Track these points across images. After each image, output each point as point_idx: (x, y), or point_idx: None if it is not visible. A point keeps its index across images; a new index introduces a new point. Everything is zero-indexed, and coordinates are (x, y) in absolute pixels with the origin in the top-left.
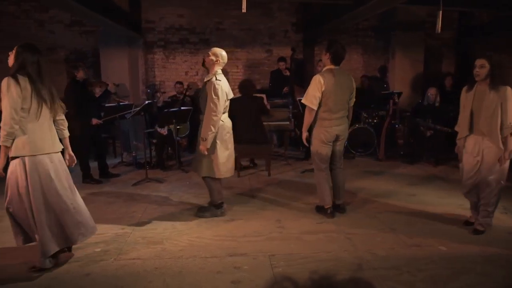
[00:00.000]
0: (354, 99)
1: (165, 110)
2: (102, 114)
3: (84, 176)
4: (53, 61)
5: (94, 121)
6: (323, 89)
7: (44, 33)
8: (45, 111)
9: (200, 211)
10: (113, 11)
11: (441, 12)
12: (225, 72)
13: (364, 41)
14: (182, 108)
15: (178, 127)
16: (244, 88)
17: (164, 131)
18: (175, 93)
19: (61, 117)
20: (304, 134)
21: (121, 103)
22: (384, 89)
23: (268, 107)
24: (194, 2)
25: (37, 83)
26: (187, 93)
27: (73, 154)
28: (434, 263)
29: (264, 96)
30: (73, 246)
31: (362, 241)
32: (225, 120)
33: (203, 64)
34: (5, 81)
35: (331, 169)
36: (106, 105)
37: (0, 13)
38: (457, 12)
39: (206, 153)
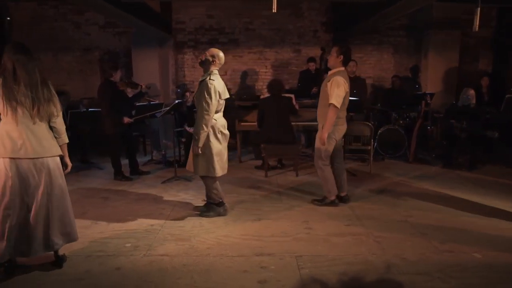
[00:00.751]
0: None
1: (194, 110)
2: (133, 113)
3: (116, 173)
4: (88, 61)
5: (126, 119)
6: (346, 90)
7: (80, 35)
8: (25, 114)
9: (203, 211)
10: (145, 12)
11: (479, 9)
12: (253, 71)
13: (396, 40)
14: None
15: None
16: (273, 88)
17: (193, 130)
18: None
19: (53, 123)
20: (325, 135)
21: (151, 103)
22: (416, 89)
23: (297, 107)
24: (224, 2)
25: (9, 85)
26: None
27: (68, 162)
28: (468, 270)
29: (292, 96)
30: (104, 239)
31: (391, 245)
32: (219, 120)
33: (200, 64)
34: None
35: (336, 164)
36: (137, 104)
37: (40, 16)
38: (495, 9)
39: (199, 152)
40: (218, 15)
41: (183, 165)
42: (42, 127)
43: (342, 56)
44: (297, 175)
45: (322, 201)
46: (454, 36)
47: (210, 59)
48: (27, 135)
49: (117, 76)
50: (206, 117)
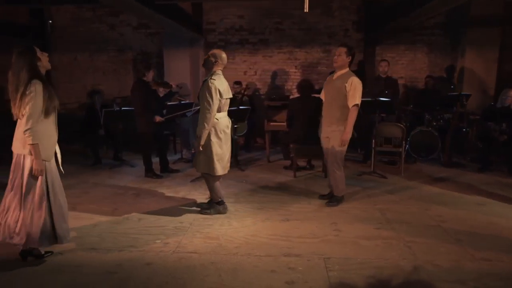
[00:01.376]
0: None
1: None
2: (164, 112)
3: (147, 171)
4: (122, 61)
5: (157, 118)
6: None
7: (114, 36)
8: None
9: (203, 208)
10: (177, 13)
11: None
12: (283, 71)
13: (430, 39)
14: (240, 107)
15: (236, 126)
16: (302, 89)
17: None
18: (233, 92)
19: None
20: (349, 136)
21: (182, 102)
22: (451, 90)
23: None
24: (254, 2)
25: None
26: (246, 93)
27: (34, 164)
28: (506, 280)
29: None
30: (135, 235)
31: (423, 250)
32: (221, 119)
33: (203, 65)
34: None
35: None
36: (168, 103)
37: (79, 19)
38: None
39: (200, 149)
40: (249, 16)
41: None
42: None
43: (351, 57)
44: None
45: (339, 201)
46: (493, 33)
47: (213, 60)
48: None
49: (149, 76)
50: (208, 115)
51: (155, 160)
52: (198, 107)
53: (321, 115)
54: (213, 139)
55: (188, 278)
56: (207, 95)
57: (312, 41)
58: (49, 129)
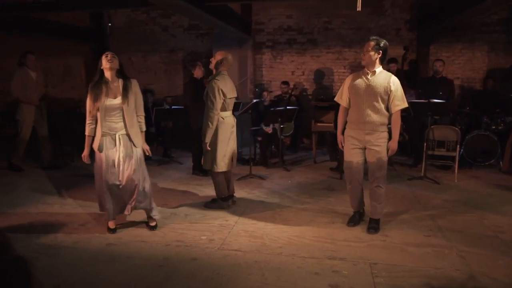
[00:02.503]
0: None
1: (272, 109)
2: None
3: (194, 168)
4: (173, 61)
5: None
6: None
7: (167, 37)
8: None
9: (208, 203)
10: (226, 14)
11: None
12: (331, 71)
13: (491, 37)
14: (288, 107)
15: (282, 126)
16: None
17: (269, 129)
18: (280, 92)
19: None
20: (395, 144)
21: None
22: None
23: None
24: (303, 2)
25: None
26: (293, 93)
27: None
28: None
29: None
30: (182, 230)
31: (479, 262)
32: (227, 118)
33: (211, 67)
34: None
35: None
36: None
37: (133, 21)
38: None
39: (208, 148)
40: (297, 15)
41: (259, 163)
42: None
43: (381, 53)
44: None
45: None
46: None
47: (220, 61)
48: None
49: (197, 72)
50: (211, 114)
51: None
52: (246, 107)
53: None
54: (219, 137)
55: (232, 276)
56: (211, 94)
57: (362, 41)
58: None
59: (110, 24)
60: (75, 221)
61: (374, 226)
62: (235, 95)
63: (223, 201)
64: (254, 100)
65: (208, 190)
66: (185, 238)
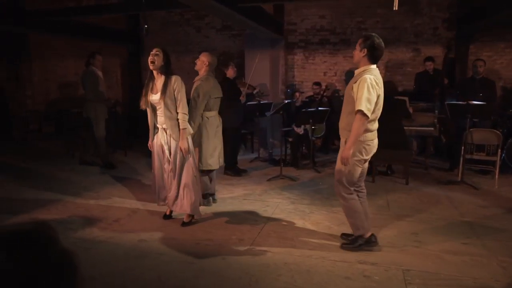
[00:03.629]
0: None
1: (303, 110)
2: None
3: (226, 168)
4: None
5: (242, 98)
6: (378, 93)
7: (200, 38)
8: None
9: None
10: (259, 15)
11: None
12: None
13: None
14: (319, 108)
15: (314, 127)
16: (386, 90)
17: (300, 130)
18: (312, 93)
19: None
20: (349, 153)
21: (261, 102)
22: None
23: (411, 110)
24: (337, 2)
25: None
26: (325, 94)
27: None
28: None
29: (406, 98)
30: (212, 229)
31: None
32: (212, 118)
33: (196, 68)
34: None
35: (361, 193)
36: (248, 103)
37: (168, 23)
38: None
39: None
40: (330, 15)
41: (289, 164)
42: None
43: (366, 50)
44: (407, 183)
45: (354, 243)
46: None
47: (205, 62)
48: None
49: (229, 72)
50: (193, 114)
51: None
52: (278, 107)
53: (402, 117)
54: (203, 136)
55: (261, 276)
56: (194, 95)
57: (397, 41)
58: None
59: (146, 26)
60: (109, 217)
61: (347, 240)
62: (220, 95)
63: (202, 198)
64: (286, 101)
65: (238, 190)
66: (215, 237)
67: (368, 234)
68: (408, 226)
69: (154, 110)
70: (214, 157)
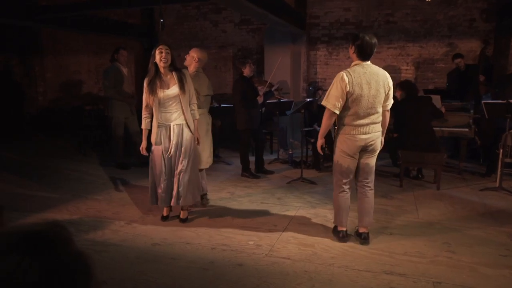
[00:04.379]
0: (392, 101)
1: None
2: (263, 110)
3: (243, 169)
4: (223, 58)
5: (260, 99)
6: (350, 90)
7: (217, 32)
8: None
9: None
10: (280, 8)
11: None
12: (393, 69)
13: None
14: None
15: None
16: (409, 89)
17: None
18: None
19: None
20: (320, 141)
21: (281, 100)
22: None
23: (443, 110)
24: None
25: None
26: None
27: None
28: None
29: (438, 97)
30: (228, 234)
31: None
32: (201, 116)
33: (185, 63)
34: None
35: (357, 187)
36: (267, 101)
37: (184, 16)
38: None
39: None
40: (356, 8)
41: (311, 166)
42: None
43: (354, 47)
44: (438, 189)
45: (334, 231)
46: None
47: (195, 58)
48: None
49: (247, 71)
50: None
51: (251, 159)
52: (299, 106)
53: (433, 117)
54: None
55: (279, 284)
56: None
57: (429, 34)
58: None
59: (162, 20)
60: (122, 219)
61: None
62: (211, 93)
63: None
64: (307, 99)
65: (256, 193)
66: (232, 242)
67: (341, 228)
68: (439, 235)
69: (160, 107)
70: (204, 156)
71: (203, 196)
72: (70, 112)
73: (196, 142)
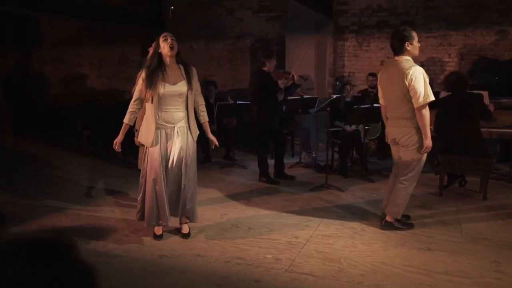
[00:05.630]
0: (420, 99)
1: (355, 107)
2: (284, 107)
3: (261, 174)
4: (239, 49)
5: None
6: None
7: (233, 21)
8: None
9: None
10: None
11: None
12: (433, 61)
13: None
14: (374, 105)
15: (367, 127)
16: (454, 84)
17: (352, 128)
18: (366, 86)
19: None
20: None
21: (305, 97)
22: None
23: (491, 108)
24: None
25: None
26: None
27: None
28: None
29: (486, 93)
30: (244, 246)
31: None
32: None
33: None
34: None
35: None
36: (289, 98)
37: (195, 2)
38: None
39: (140, 144)
40: None
41: (337, 171)
42: None
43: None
44: (485, 198)
45: (399, 224)
46: None
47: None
48: None
49: (271, 66)
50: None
51: (270, 162)
52: (324, 104)
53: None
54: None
55: None
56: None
57: (475, 21)
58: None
59: (172, 8)
60: (126, 228)
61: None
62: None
63: None
64: (334, 96)
65: (275, 200)
66: (247, 256)
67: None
68: (486, 252)
69: (159, 105)
70: None
71: None
72: (71, 109)
73: (212, 145)
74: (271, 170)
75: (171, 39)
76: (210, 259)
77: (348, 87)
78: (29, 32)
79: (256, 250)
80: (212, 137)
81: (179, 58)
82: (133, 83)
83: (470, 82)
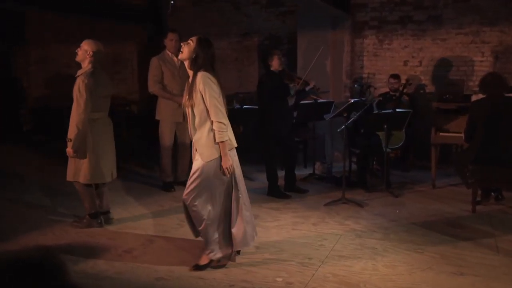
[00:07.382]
0: None
1: (375, 112)
2: (295, 113)
3: (270, 188)
4: (245, 48)
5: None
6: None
7: (239, 17)
8: None
9: (75, 221)
10: None
11: None
12: (463, 60)
13: None
14: (398, 110)
15: (390, 135)
16: (489, 86)
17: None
18: (387, 89)
19: None
20: None
21: (319, 101)
22: None
23: None
24: None
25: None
26: (405, 91)
27: None
28: None
29: None
30: (251, 268)
31: None
32: (99, 120)
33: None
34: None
35: None
36: (302, 102)
37: None
38: None
39: (73, 155)
40: None
41: (355, 184)
42: None
43: None
44: None
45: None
46: None
47: (90, 52)
48: None
49: (275, 64)
50: (81, 116)
51: (280, 174)
52: (341, 109)
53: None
54: (88, 142)
55: None
56: (79, 93)
57: None
58: None
59: (172, 2)
60: (119, 246)
61: None
62: (110, 93)
63: (92, 218)
64: (351, 100)
65: (286, 217)
66: (255, 279)
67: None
68: None
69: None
70: (100, 168)
71: (106, 215)
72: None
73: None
74: (281, 182)
75: (184, 43)
76: (213, 282)
77: (371, 89)
78: (13, 27)
79: (264, 273)
80: (224, 163)
81: (193, 64)
82: (127, 85)
83: (510, 84)
